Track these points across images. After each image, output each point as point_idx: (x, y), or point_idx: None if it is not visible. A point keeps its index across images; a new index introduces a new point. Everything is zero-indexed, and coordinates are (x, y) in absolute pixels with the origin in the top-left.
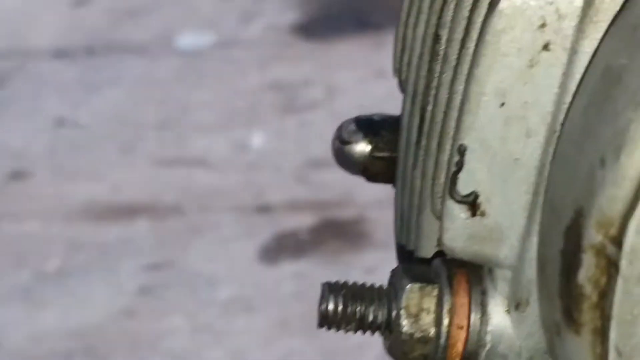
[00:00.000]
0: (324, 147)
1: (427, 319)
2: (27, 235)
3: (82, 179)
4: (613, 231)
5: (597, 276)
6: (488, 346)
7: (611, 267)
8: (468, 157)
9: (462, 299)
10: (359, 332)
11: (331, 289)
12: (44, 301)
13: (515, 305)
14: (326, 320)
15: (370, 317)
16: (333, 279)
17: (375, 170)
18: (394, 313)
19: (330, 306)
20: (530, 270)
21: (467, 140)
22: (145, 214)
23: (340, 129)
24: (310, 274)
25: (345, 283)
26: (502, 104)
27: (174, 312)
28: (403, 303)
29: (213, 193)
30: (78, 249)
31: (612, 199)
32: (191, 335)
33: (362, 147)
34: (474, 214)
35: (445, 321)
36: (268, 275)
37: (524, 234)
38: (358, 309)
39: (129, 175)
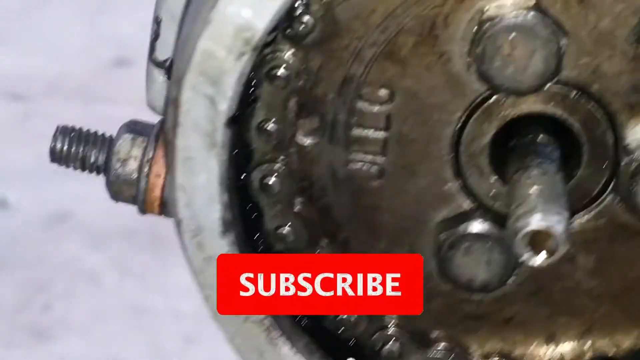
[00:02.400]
0: None
1: (134, 165)
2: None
3: None
4: (179, 85)
5: (172, 124)
6: None
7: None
8: (162, 27)
9: (163, 152)
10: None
11: (63, 130)
12: None
13: None
14: (54, 157)
15: (92, 159)
16: None
17: None
18: (108, 157)
19: (59, 145)
20: None
21: (160, 12)
22: None
23: None
24: None
25: (74, 127)
26: None
27: None
28: (115, 149)
29: None
30: None
31: (182, 60)
32: None
33: None
34: (170, 78)
35: (146, 168)
36: None
37: None
38: (82, 150)
39: None
